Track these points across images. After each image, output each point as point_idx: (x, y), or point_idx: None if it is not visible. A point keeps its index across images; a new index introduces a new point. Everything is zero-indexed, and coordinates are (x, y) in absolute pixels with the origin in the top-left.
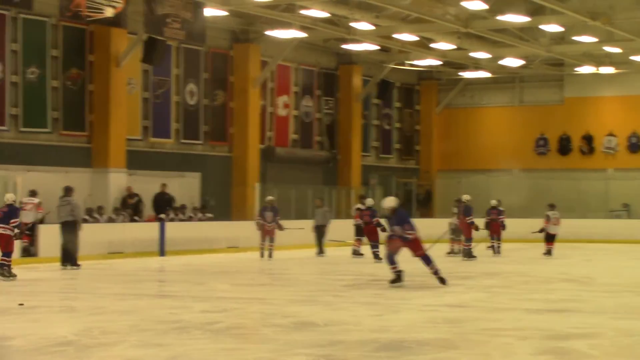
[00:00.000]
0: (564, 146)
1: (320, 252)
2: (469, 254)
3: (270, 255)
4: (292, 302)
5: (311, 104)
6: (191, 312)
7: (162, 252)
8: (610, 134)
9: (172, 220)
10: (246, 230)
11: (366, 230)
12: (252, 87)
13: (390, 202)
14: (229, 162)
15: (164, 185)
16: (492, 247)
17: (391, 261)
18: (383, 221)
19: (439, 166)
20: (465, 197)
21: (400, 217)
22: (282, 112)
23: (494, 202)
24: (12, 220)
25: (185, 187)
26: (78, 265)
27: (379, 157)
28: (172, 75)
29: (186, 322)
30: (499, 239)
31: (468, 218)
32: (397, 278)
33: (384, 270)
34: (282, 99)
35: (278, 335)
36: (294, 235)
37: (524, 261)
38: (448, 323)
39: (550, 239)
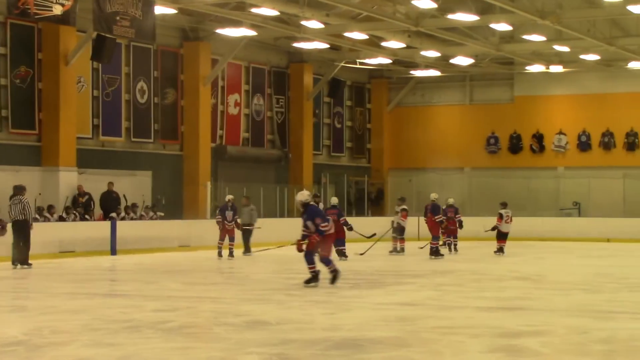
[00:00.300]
0: (515, 144)
1: (247, 251)
2: (436, 252)
3: (231, 254)
4: (244, 300)
5: (262, 103)
6: (143, 311)
7: (113, 251)
8: (560, 133)
9: (123, 219)
10: (198, 229)
11: (337, 228)
12: (203, 85)
13: (302, 196)
14: (180, 161)
15: (110, 184)
16: (448, 245)
17: (310, 260)
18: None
19: (390, 164)
20: (434, 196)
21: (311, 212)
22: (233, 110)
23: (450, 201)
24: None
25: (136, 185)
26: (29, 265)
27: (330, 155)
28: (122, 73)
29: (138, 321)
30: (455, 237)
31: (437, 217)
32: (313, 278)
33: (340, 269)
34: (233, 97)
35: (230, 334)
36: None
37: (476, 259)
38: (400, 321)
39: (502, 237)
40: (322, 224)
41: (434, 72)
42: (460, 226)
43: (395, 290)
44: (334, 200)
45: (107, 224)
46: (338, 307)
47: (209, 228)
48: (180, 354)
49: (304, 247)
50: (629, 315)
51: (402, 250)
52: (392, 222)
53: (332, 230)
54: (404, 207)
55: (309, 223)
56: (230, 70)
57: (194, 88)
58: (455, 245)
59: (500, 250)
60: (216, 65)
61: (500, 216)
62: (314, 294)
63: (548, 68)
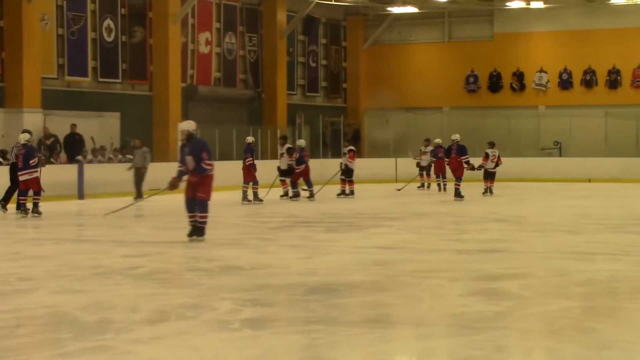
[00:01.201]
0: (495, 83)
1: (139, 196)
2: (459, 194)
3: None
4: (217, 245)
5: (234, 41)
6: (112, 257)
7: (80, 196)
8: (541, 71)
9: (90, 162)
10: (169, 172)
11: (307, 170)
12: (172, 23)
13: (189, 124)
14: (150, 102)
15: (74, 125)
16: (438, 185)
17: (190, 208)
18: None
19: (367, 104)
20: (457, 137)
21: (199, 144)
22: (204, 49)
23: (438, 141)
24: (31, 161)
25: (104, 127)
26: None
27: (305, 95)
28: (87, 10)
29: (107, 267)
30: (444, 177)
31: (463, 157)
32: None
33: (312, 212)
34: (204, 36)
35: (202, 280)
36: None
37: (456, 201)
38: (378, 265)
39: (488, 176)
40: (208, 161)
41: (411, 9)
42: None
43: (372, 234)
44: (303, 142)
45: (73, 167)
46: (314, 251)
47: None
48: (151, 301)
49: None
50: (609, 256)
51: (352, 192)
52: (341, 164)
53: (213, 172)
54: (352, 147)
55: (189, 158)
56: (200, 7)
57: (163, 26)
58: (445, 185)
59: (488, 190)
60: (186, 2)
61: (486, 155)
62: (289, 238)
63: (529, 4)
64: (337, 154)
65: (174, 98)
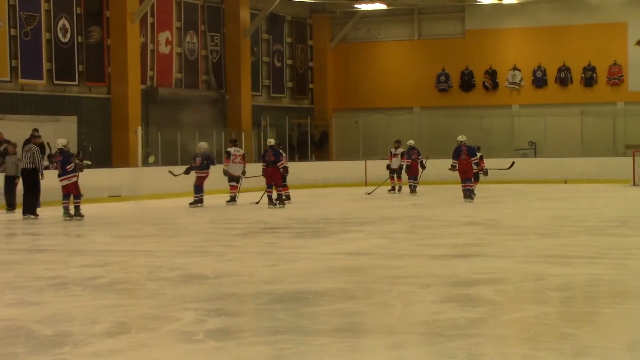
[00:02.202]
0: (467, 82)
1: (11, 208)
2: (469, 195)
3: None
4: (180, 253)
5: (195, 40)
6: (70, 267)
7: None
8: (515, 68)
9: (47, 168)
10: (129, 177)
11: (206, 175)
12: (131, 22)
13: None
14: (108, 105)
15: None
16: (410, 186)
17: None
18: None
19: (335, 105)
20: (463, 138)
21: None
22: (164, 49)
23: (411, 142)
24: (68, 167)
25: (60, 132)
26: (36, 215)
27: (270, 96)
28: (41, 10)
29: (65, 278)
30: (415, 179)
31: (474, 159)
32: None
33: (279, 218)
34: (164, 35)
35: (165, 290)
36: (184, 182)
37: (428, 204)
38: (347, 272)
39: (473, 178)
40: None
41: (379, 6)
42: (423, 167)
43: (341, 239)
44: (206, 144)
45: None
46: (280, 258)
47: (140, 176)
48: (111, 312)
49: None
50: (586, 260)
51: (288, 197)
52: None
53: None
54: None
55: None
56: (160, 5)
57: (121, 25)
58: (414, 187)
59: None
60: (144, 0)
61: None
62: (254, 245)
63: (501, 0)
64: (304, 157)
65: (134, 100)
